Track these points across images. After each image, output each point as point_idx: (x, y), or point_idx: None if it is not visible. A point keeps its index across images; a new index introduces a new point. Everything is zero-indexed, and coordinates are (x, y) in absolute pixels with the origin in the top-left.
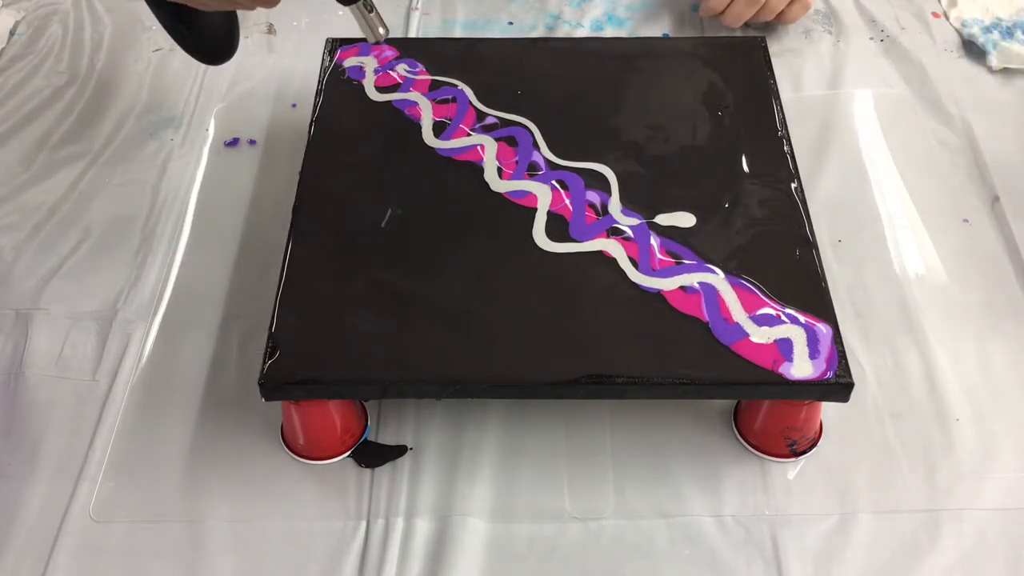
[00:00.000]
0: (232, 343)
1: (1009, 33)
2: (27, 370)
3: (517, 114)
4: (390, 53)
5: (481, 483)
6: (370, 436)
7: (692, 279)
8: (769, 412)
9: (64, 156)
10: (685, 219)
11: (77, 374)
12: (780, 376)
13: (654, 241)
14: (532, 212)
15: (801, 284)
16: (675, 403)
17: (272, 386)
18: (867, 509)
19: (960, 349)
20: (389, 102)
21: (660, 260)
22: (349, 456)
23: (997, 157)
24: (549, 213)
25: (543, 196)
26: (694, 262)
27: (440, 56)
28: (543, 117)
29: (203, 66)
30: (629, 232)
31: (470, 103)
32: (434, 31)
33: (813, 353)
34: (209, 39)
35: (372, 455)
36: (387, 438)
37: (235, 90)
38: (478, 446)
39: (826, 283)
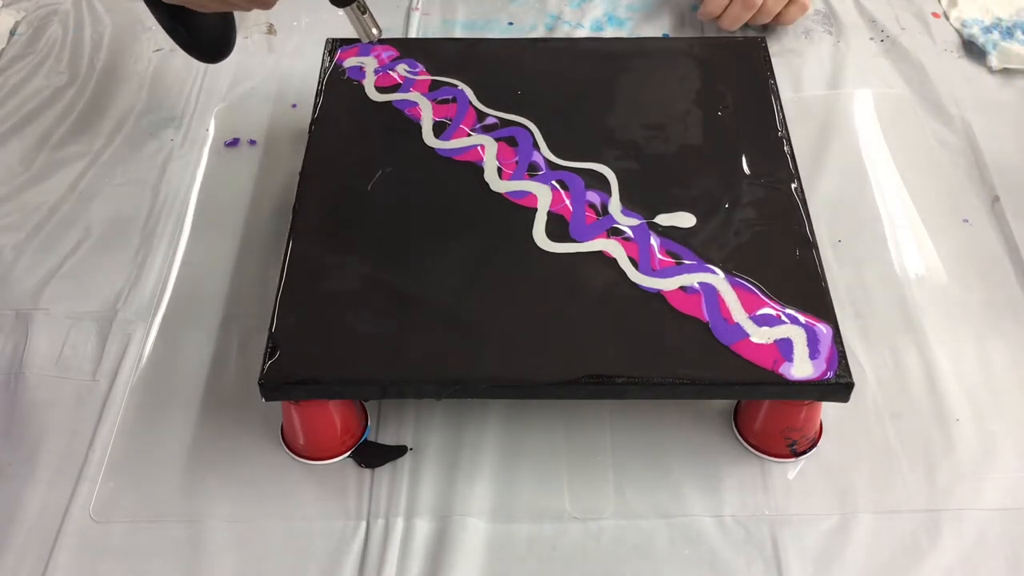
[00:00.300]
0: (232, 343)
1: (1009, 33)
2: (27, 370)
3: (517, 114)
4: (390, 53)
5: (481, 483)
6: (370, 436)
7: (692, 279)
8: (769, 412)
9: (64, 156)
10: (685, 219)
11: (77, 374)
12: (780, 376)
13: (654, 241)
14: (532, 212)
15: (801, 284)
16: (675, 403)
17: (272, 386)
18: (867, 509)
19: (960, 349)
20: (389, 102)
21: (660, 260)
22: (349, 456)
23: (997, 157)
24: (549, 213)
25: (543, 196)
26: (694, 262)
27: (440, 56)
28: (543, 117)
29: (203, 66)
30: (629, 232)
31: (470, 103)
32: (434, 31)
33: (813, 353)
34: (206, 39)
35: (372, 455)
36: (387, 438)
37: (235, 90)
38: (478, 446)
39: (826, 283)
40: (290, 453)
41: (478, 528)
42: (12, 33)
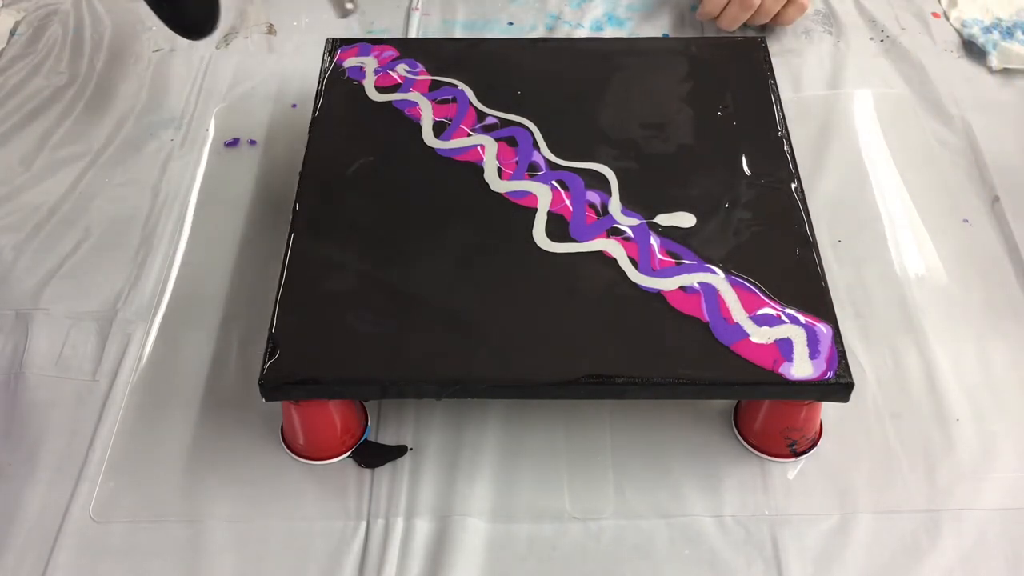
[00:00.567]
0: (232, 343)
1: (1009, 33)
2: (27, 370)
3: (517, 114)
4: (390, 53)
5: (481, 483)
6: (370, 436)
7: (692, 279)
8: (769, 412)
9: (64, 156)
10: (685, 219)
11: (77, 374)
12: (780, 376)
13: (654, 241)
14: (532, 212)
15: (801, 284)
16: (675, 403)
17: (272, 386)
18: (867, 509)
19: (960, 349)
20: (389, 102)
21: (660, 260)
22: (349, 456)
23: (997, 157)
24: (549, 213)
25: (543, 196)
26: (694, 262)
27: (440, 56)
28: (543, 117)
29: (203, 66)
30: (629, 232)
31: (470, 103)
32: (434, 31)
33: (813, 353)
34: (191, 12)
35: (372, 455)
36: (387, 438)
37: (235, 90)
38: (478, 446)
39: (826, 283)
40: (290, 453)
41: (478, 528)
42: (12, 33)
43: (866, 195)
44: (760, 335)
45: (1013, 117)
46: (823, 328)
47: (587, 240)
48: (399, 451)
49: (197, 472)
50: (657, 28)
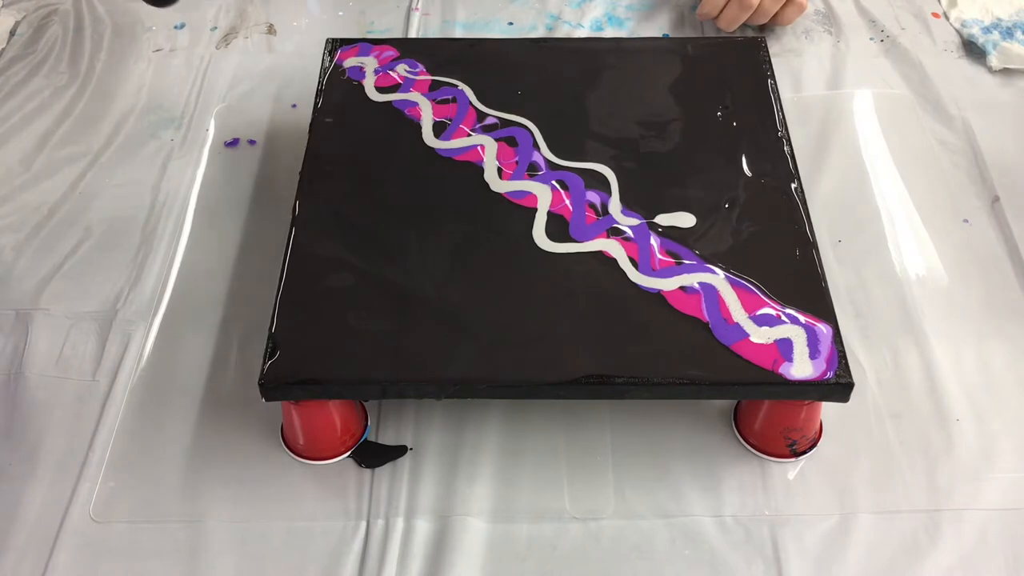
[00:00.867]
0: (232, 343)
1: (1009, 33)
2: (27, 370)
3: (517, 114)
4: (390, 53)
5: (481, 483)
6: (370, 436)
7: (692, 279)
8: (769, 412)
9: (64, 156)
10: (685, 219)
11: (77, 374)
12: (780, 376)
13: (654, 241)
14: (532, 212)
15: (801, 284)
16: (675, 403)
17: (272, 386)
18: (867, 509)
19: (960, 349)
20: (389, 102)
21: (660, 260)
22: (349, 456)
23: (997, 157)
24: (549, 213)
25: (543, 196)
26: (694, 262)
27: (440, 56)
28: (543, 117)
29: (203, 66)
30: (629, 232)
31: (470, 103)
32: (434, 31)
33: (813, 353)
34: None
35: (372, 455)
36: (387, 438)
37: (235, 90)
38: (478, 446)
39: (826, 283)
40: (290, 453)
41: (478, 528)
42: (12, 33)
43: (866, 195)
44: (760, 335)
45: (1013, 117)
46: (823, 328)
47: (587, 240)
48: (399, 451)
49: (197, 472)
50: (657, 28)
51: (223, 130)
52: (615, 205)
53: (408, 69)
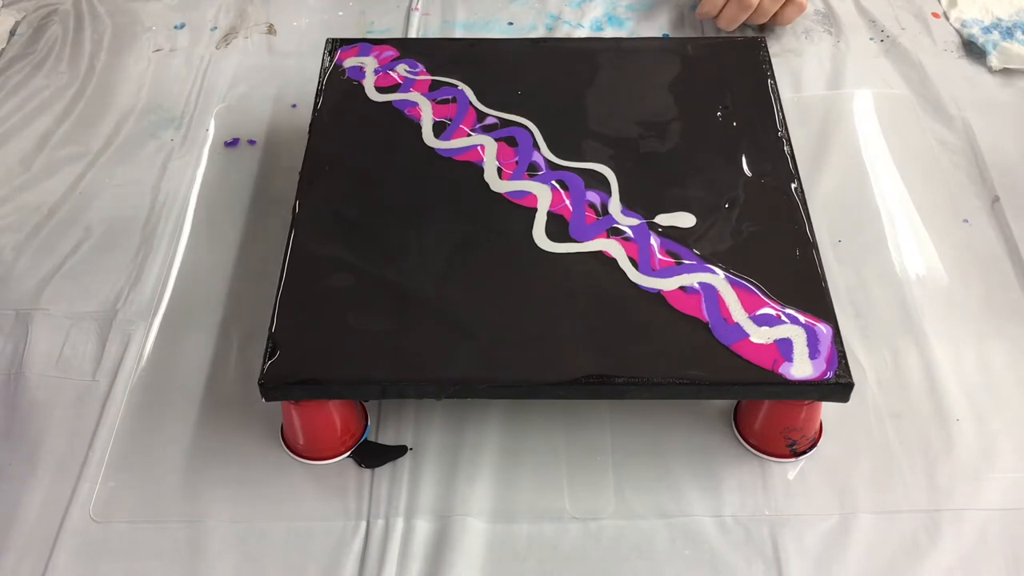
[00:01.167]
0: (232, 343)
1: (1009, 33)
2: (27, 370)
3: (517, 114)
4: (390, 53)
5: (481, 483)
6: (370, 436)
7: (692, 279)
8: (769, 412)
9: (64, 156)
10: (685, 219)
11: (77, 374)
12: (780, 376)
13: (654, 241)
14: (532, 212)
15: (801, 284)
16: (675, 403)
17: (272, 386)
18: (867, 509)
19: (960, 349)
20: (389, 102)
21: (660, 260)
22: (349, 456)
23: (997, 157)
24: (549, 213)
25: (543, 196)
26: (694, 262)
27: (440, 56)
28: (543, 117)
29: (203, 66)
30: (629, 232)
31: (470, 103)
32: (434, 31)
33: (813, 353)
34: None
35: (372, 455)
36: (387, 438)
37: (235, 90)
38: (478, 446)
39: (826, 283)
40: (290, 453)
41: (478, 528)
42: (12, 33)
43: (866, 195)
44: (760, 335)
45: (1013, 117)
46: (823, 328)
47: (587, 240)
48: (399, 451)
49: (197, 472)
50: (657, 28)
51: (223, 130)
52: (615, 205)
53: (408, 69)
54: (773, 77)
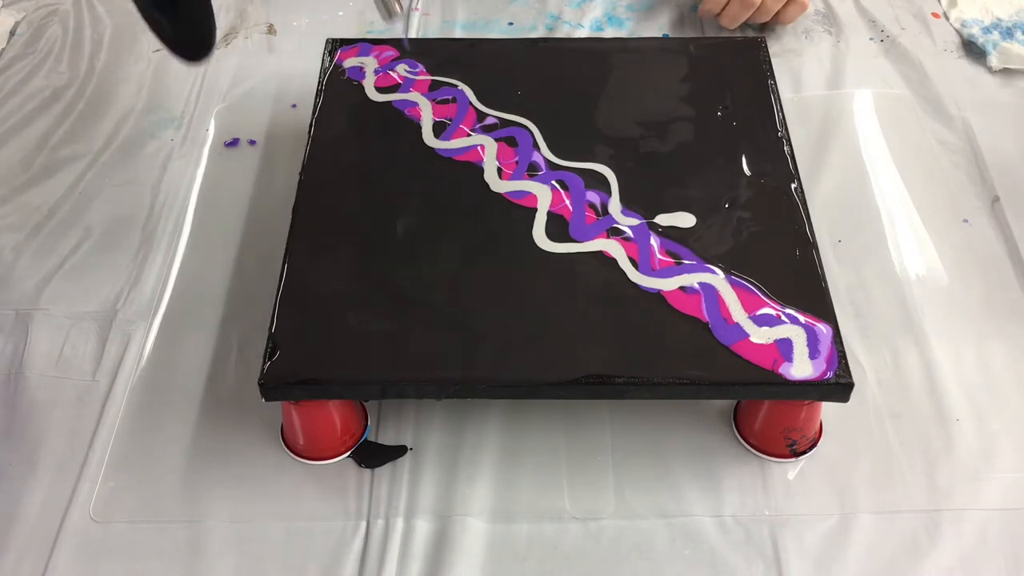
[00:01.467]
0: (232, 343)
1: (1009, 33)
2: (27, 370)
3: (517, 114)
4: (390, 53)
5: (481, 483)
6: (370, 436)
7: (692, 279)
8: (769, 412)
9: (64, 156)
10: (685, 219)
11: (77, 374)
12: (780, 376)
13: (654, 241)
14: (532, 212)
15: (801, 284)
16: (675, 403)
17: (272, 386)
18: (867, 509)
19: (960, 349)
20: (389, 102)
21: (660, 260)
22: (349, 456)
23: (997, 157)
24: (549, 213)
25: (543, 196)
26: (694, 262)
27: (440, 56)
28: (543, 117)
29: (203, 66)
30: (629, 232)
31: (470, 103)
32: (434, 31)
33: (813, 353)
34: (193, 30)
35: (372, 455)
36: (387, 438)
37: (235, 90)
38: (478, 446)
39: (826, 283)
40: (290, 453)
41: (478, 528)
42: (12, 33)
43: (866, 195)
44: (760, 335)
45: (1013, 117)
46: (823, 328)
47: (587, 240)
48: (399, 451)
49: (197, 472)
50: (657, 28)
51: (223, 130)
52: (615, 205)
53: (408, 69)
54: (773, 77)
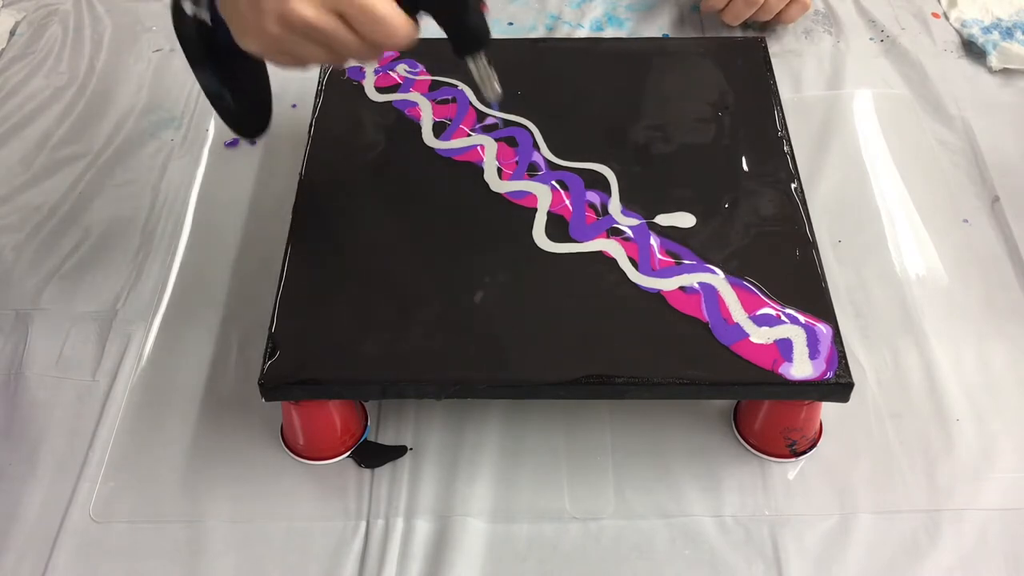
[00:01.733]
0: (232, 343)
1: (1009, 33)
2: (27, 370)
3: (517, 114)
4: (390, 53)
5: (481, 483)
6: (370, 436)
7: (692, 279)
8: (769, 412)
9: (64, 156)
10: (685, 219)
11: (77, 374)
12: (780, 376)
13: (654, 241)
14: (532, 212)
15: (801, 284)
16: (675, 403)
17: (272, 386)
18: (867, 509)
19: (960, 349)
20: (389, 102)
21: (660, 260)
22: (349, 456)
23: (997, 157)
24: (549, 213)
25: (543, 196)
26: (694, 262)
27: (440, 56)
28: (543, 117)
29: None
30: (629, 232)
31: (470, 103)
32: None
33: (813, 353)
34: (256, 107)
35: (372, 455)
36: (387, 438)
37: None
38: (478, 446)
39: (826, 283)
40: (290, 453)
41: (478, 528)
42: (12, 33)
43: (866, 195)
44: (760, 335)
45: (1013, 117)
46: (823, 328)
47: (587, 240)
48: (399, 451)
49: (197, 472)
50: (657, 28)
51: (223, 130)
52: (615, 205)
53: (408, 69)
54: (773, 77)
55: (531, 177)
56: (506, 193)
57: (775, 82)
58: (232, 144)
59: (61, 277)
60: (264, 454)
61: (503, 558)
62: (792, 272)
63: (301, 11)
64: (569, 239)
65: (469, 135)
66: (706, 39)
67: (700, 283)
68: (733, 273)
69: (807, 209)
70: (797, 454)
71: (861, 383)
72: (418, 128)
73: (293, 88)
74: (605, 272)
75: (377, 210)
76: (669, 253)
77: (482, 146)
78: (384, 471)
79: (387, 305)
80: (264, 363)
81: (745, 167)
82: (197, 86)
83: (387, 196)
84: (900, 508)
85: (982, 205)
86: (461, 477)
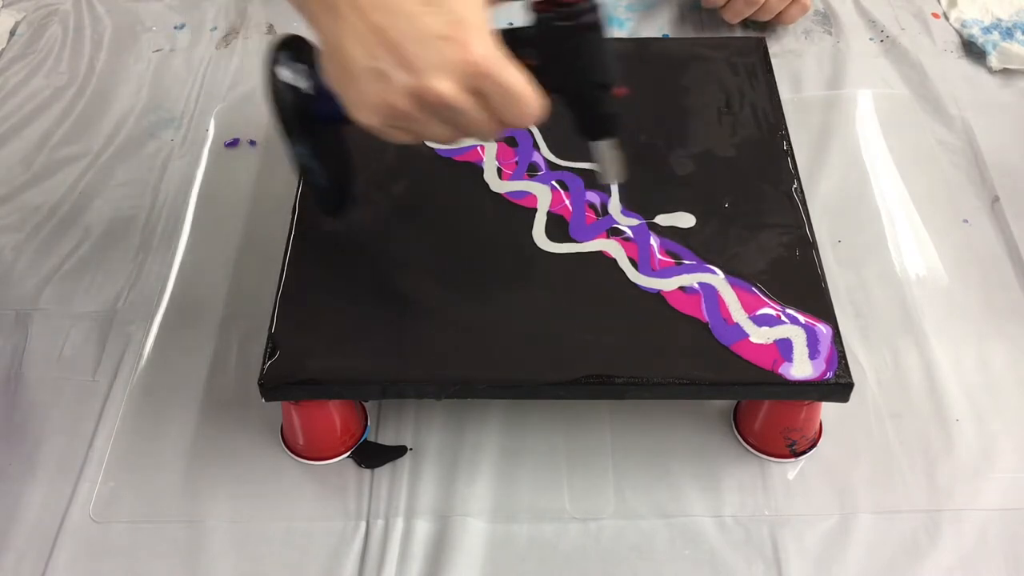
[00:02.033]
0: (232, 343)
1: (1009, 33)
2: (27, 370)
3: None
4: None
5: (481, 483)
6: (370, 436)
7: (692, 279)
8: (769, 412)
9: (64, 156)
10: (685, 219)
11: (77, 374)
12: (780, 376)
13: (654, 241)
14: (532, 212)
15: (801, 284)
16: (675, 403)
17: (272, 386)
18: (867, 509)
19: (960, 349)
20: None
21: (660, 260)
22: (349, 456)
23: (997, 157)
24: (549, 213)
25: (543, 196)
26: (694, 262)
27: None
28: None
29: (203, 66)
30: (629, 232)
31: None
32: None
33: (813, 353)
34: (344, 184)
35: (372, 455)
36: (387, 438)
37: (235, 91)
38: (478, 446)
39: (826, 283)
40: (290, 453)
41: (478, 528)
42: (12, 33)
43: (866, 195)
44: (760, 335)
45: (1013, 117)
46: (823, 328)
47: (587, 240)
48: (399, 451)
49: (197, 472)
50: (657, 28)
51: (223, 130)
52: (615, 205)
53: None
54: (773, 77)
55: (531, 177)
56: (506, 193)
57: (775, 82)
58: (232, 144)
59: (61, 277)
60: (264, 454)
61: (503, 558)
62: (792, 272)
63: (439, 89)
64: (569, 239)
65: None
66: (706, 39)
67: (700, 283)
68: (733, 273)
69: (807, 209)
70: (797, 454)
71: (861, 383)
72: None
73: None
74: (605, 272)
75: (377, 210)
76: (669, 253)
77: (482, 146)
78: (384, 471)
79: (387, 305)
80: (264, 363)
81: (745, 167)
82: (197, 86)
83: (387, 196)
84: (900, 508)
85: (982, 205)
86: (461, 477)
